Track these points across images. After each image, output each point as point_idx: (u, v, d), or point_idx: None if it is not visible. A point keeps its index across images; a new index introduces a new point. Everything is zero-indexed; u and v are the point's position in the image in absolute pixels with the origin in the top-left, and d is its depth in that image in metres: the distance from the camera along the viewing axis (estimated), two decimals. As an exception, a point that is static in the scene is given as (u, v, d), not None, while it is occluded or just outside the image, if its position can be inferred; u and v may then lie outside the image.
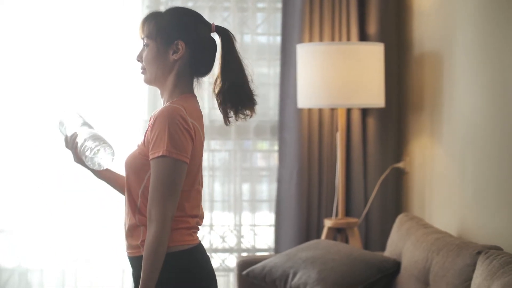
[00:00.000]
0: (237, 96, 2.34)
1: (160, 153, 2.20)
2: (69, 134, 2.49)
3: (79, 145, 2.42)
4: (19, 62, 4.29)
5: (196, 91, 2.40)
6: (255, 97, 2.38)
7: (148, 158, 2.24)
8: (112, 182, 2.55)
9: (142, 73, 2.39)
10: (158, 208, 2.19)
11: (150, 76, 2.36)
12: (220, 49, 2.37)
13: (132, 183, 2.31)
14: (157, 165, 2.21)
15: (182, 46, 2.32)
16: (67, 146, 2.50)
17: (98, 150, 2.38)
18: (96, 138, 2.40)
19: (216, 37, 2.39)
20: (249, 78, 2.37)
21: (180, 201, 2.26)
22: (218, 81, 2.36)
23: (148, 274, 2.19)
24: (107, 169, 2.50)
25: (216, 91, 2.36)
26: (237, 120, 2.37)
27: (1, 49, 4.28)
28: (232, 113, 2.36)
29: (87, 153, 2.38)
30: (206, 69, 2.39)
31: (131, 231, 2.32)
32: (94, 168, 2.41)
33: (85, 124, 2.51)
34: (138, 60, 2.40)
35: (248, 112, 2.37)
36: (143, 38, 2.38)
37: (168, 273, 2.24)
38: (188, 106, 2.29)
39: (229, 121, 2.38)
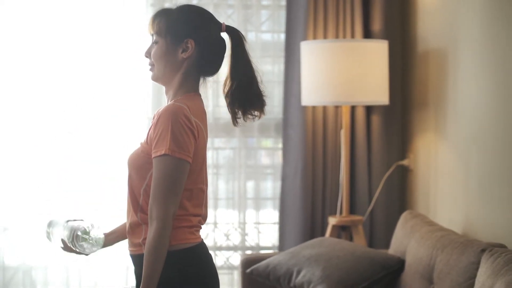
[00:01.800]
0: (245, 95, 2.33)
1: (163, 152, 2.19)
2: (58, 244, 2.51)
3: (73, 248, 2.45)
4: (21, 60, 4.28)
5: (200, 90, 2.39)
6: (265, 98, 2.37)
7: (151, 156, 2.24)
8: (121, 238, 2.54)
9: (151, 69, 2.37)
10: (159, 206, 2.19)
11: (158, 73, 2.35)
12: (230, 49, 2.36)
13: (135, 181, 2.30)
14: (159, 163, 2.20)
15: (192, 44, 2.31)
16: (69, 251, 2.51)
17: (83, 246, 2.42)
18: (74, 237, 2.42)
19: (225, 36, 2.38)
20: (258, 78, 2.36)
21: (182, 199, 2.25)
22: (228, 81, 2.35)
23: (149, 272, 2.19)
24: (107, 234, 2.51)
25: (225, 91, 2.35)
26: (245, 121, 2.36)
27: (4, 46, 4.28)
28: (240, 113, 2.35)
29: (87, 251, 2.43)
30: (214, 69, 2.38)
31: (133, 229, 2.32)
32: (100, 248, 2.46)
33: (61, 226, 2.51)
34: (146, 56, 2.38)
35: (256, 112, 2.36)
36: (152, 35, 2.36)
37: (170, 271, 2.23)
38: (192, 105, 2.28)
39: (237, 122, 2.36)
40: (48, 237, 2.54)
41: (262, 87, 2.36)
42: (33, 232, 4.33)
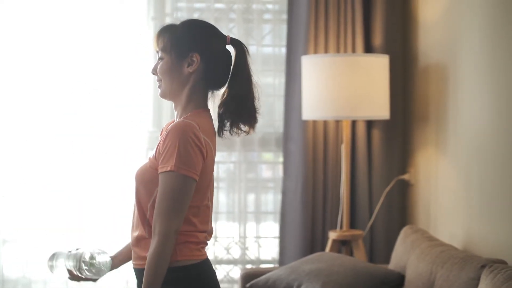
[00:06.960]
0: (237, 108, 2.32)
1: (168, 168, 2.19)
2: (64, 274, 2.46)
3: (81, 275, 2.40)
4: (25, 68, 4.30)
5: (209, 104, 2.39)
6: (257, 115, 2.36)
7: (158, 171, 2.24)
8: (126, 260, 2.48)
9: (159, 86, 2.37)
10: (162, 222, 2.19)
11: (166, 89, 2.35)
12: (233, 61, 2.36)
13: (142, 196, 2.30)
14: (164, 179, 2.20)
15: (197, 58, 2.31)
16: (77, 280, 2.45)
17: (91, 271, 2.38)
18: (81, 263, 2.39)
19: (231, 49, 2.38)
20: (255, 94, 2.35)
21: (190, 216, 2.26)
22: (225, 91, 2.35)
23: (148, 287, 2.18)
24: (112, 257, 2.45)
25: (220, 101, 2.35)
26: (231, 134, 2.36)
27: (13, 59, 4.29)
28: (228, 125, 2.35)
29: (95, 276, 2.38)
30: (221, 82, 2.37)
31: (139, 242, 2.31)
32: (108, 271, 2.41)
33: (64, 256, 2.47)
34: (153, 73, 2.38)
35: (246, 128, 2.35)
36: (158, 51, 2.36)
37: (176, 286, 2.24)
38: (201, 122, 2.28)
39: (222, 133, 2.36)
40: (51, 269, 2.48)
41: (257, 103, 2.35)
42: (33, 245, 4.32)
